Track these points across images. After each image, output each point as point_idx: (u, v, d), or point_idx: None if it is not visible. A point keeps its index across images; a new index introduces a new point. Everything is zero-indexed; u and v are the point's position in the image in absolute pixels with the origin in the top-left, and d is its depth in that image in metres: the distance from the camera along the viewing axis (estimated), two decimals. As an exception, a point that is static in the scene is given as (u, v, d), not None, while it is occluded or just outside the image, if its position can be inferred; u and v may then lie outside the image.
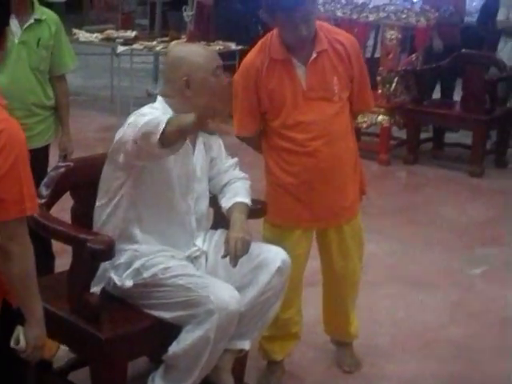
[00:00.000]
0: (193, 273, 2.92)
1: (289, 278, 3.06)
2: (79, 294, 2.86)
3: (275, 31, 3.27)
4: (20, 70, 3.70)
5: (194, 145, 3.03)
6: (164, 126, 2.63)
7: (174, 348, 2.84)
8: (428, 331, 4.06)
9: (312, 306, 3.70)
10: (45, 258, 3.92)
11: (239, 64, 8.73)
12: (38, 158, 3.86)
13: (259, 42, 3.36)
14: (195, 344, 2.79)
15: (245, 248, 2.91)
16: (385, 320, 4.15)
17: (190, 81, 2.92)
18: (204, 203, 3.12)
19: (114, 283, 2.97)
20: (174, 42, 8.34)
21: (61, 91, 3.93)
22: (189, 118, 2.67)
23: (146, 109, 2.90)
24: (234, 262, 2.90)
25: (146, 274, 2.91)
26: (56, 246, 3.89)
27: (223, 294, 2.78)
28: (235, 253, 2.88)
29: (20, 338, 2.30)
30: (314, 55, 3.21)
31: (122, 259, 2.95)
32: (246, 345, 3.07)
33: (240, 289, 2.94)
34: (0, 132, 2.13)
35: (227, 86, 2.95)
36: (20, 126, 2.26)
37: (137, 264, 2.94)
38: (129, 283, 2.93)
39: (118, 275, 2.96)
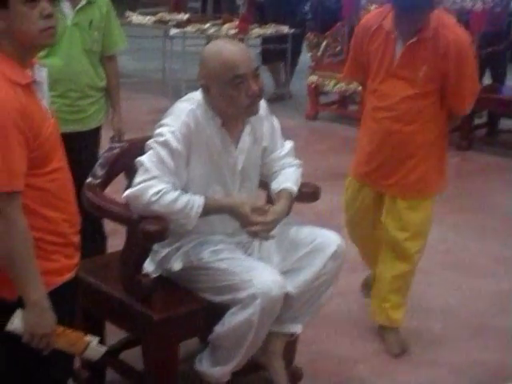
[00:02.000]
0: (238, 257, 2.92)
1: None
2: (132, 274, 2.88)
3: None
4: (73, 51, 3.72)
5: (238, 138, 2.98)
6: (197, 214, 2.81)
7: (219, 329, 2.86)
8: (479, 319, 4.01)
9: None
10: (97, 239, 3.97)
11: (291, 48, 8.70)
12: (91, 139, 3.91)
13: (381, 8, 3.58)
14: (239, 326, 2.80)
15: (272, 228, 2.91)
16: (436, 307, 4.11)
17: (208, 86, 2.86)
18: (249, 191, 3.08)
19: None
20: (226, 25, 8.36)
21: (112, 72, 3.95)
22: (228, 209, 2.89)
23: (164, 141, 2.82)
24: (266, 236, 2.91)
25: (193, 257, 2.92)
26: (108, 226, 3.93)
27: (266, 278, 2.77)
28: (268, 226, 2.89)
29: (14, 321, 2.22)
30: (415, 39, 3.36)
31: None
32: (297, 328, 3.09)
33: (294, 271, 2.96)
34: None
35: (253, 94, 2.82)
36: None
37: (186, 247, 2.96)
38: (177, 266, 2.96)
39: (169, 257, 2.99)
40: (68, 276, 2.35)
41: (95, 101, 3.88)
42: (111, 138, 3.97)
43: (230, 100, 2.84)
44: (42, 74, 2.30)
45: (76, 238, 2.39)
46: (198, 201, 2.82)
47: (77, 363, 3.21)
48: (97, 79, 3.86)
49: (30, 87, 2.22)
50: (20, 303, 2.23)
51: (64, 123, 3.72)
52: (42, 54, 3.59)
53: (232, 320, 2.81)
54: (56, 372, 2.41)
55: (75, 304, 2.52)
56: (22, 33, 2.18)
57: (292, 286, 2.96)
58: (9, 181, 2.13)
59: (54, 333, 2.27)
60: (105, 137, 4.00)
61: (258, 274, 2.78)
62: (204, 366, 2.97)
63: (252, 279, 2.76)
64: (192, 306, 2.92)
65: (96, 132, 3.95)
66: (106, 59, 3.91)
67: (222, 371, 2.93)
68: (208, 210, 2.84)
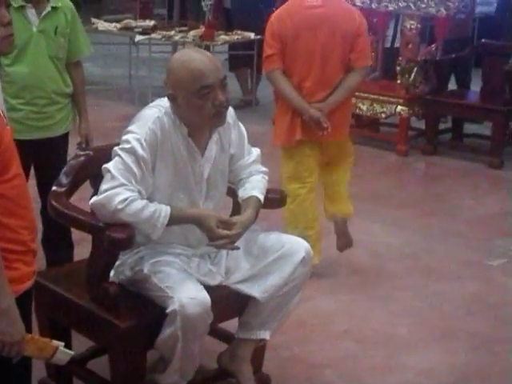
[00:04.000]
0: (170, 271, 2.87)
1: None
2: (98, 282, 2.87)
3: None
4: (39, 58, 3.70)
5: (204, 147, 2.97)
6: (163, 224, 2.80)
7: (157, 339, 2.84)
8: (447, 322, 4.04)
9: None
10: (63, 247, 3.96)
11: (257, 54, 8.76)
12: (59, 145, 3.90)
13: None
14: (167, 339, 2.79)
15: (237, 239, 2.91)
16: (403, 311, 4.13)
17: (175, 96, 2.85)
18: (216, 199, 3.07)
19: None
20: (192, 32, 8.35)
21: (78, 78, 3.93)
22: (192, 220, 2.87)
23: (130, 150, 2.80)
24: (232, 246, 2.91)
25: (137, 268, 2.92)
26: (75, 234, 3.91)
27: (184, 295, 2.73)
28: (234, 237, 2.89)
29: None
30: None
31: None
32: (266, 335, 3.09)
33: (262, 277, 2.97)
34: None
35: (219, 105, 2.82)
36: None
37: (138, 254, 2.96)
38: (128, 273, 2.96)
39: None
40: (28, 284, 2.34)
41: (62, 107, 3.86)
42: (78, 144, 3.96)
43: (197, 110, 2.83)
44: None
45: (34, 245, 2.37)
46: (164, 210, 2.81)
47: (43, 373, 3.20)
48: (63, 85, 3.84)
49: None
50: None
51: (32, 130, 3.74)
52: (7, 61, 3.61)
53: (163, 331, 2.80)
54: (17, 381, 2.41)
55: (31, 312, 2.50)
56: None
57: (260, 291, 2.97)
58: None
59: (24, 340, 2.25)
60: (72, 143, 3.98)
61: (179, 291, 2.75)
62: (153, 370, 2.99)
63: (173, 296, 2.74)
64: (158, 314, 2.90)
65: (64, 138, 3.93)
66: (71, 66, 3.90)
67: (165, 377, 2.92)
68: (174, 220, 2.84)
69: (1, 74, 3.57)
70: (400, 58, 6.95)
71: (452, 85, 7.99)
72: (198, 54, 2.88)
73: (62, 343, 2.40)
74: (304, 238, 3.84)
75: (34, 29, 3.67)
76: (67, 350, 2.42)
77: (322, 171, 4.41)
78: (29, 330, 2.38)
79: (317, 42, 4.15)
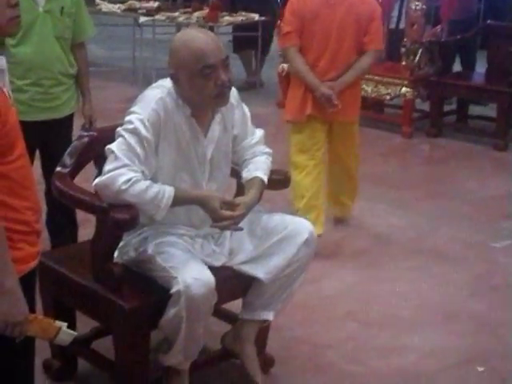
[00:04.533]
0: (174, 252, 2.86)
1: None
2: (102, 263, 2.87)
3: None
4: (45, 39, 3.69)
5: (207, 127, 2.97)
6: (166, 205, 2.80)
7: (161, 319, 2.84)
8: (450, 304, 4.05)
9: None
10: (68, 228, 3.96)
11: (262, 36, 8.70)
12: (64, 126, 3.90)
13: None
14: (171, 319, 2.79)
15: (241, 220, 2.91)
16: (407, 292, 4.14)
17: (177, 76, 2.84)
18: (219, 180, 3.07)
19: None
20: (196, 13, 8.33)
21: (81, 59, 3.93)
22: (196, 201, 2.87)
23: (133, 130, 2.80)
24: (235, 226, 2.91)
25: (141, 248, 2.92)
26: (79, 215, 3.91)
27: (188, 276, 2.73)
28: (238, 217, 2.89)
29: None
30: None
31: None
32: (269, 316, 3.09)
33: (265, 258, 2.98)
34: None
35: (222, 84, 2.81)
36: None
37: (142, 235, 2.96)
38: (132, 254, 2.96)
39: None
40: (33, 264, 2.34)
41: (68, 88, 3.86)
42: (82, 125, 3.95)
43: (199, 90, 2.82)
44: (1, 62, 2.28)
45: (38, 226, 2.37)
46: (168, 191, 2.81)
47: (48, 354, 3.21)
48: (69, 66, 3.84)
49: None
50: None
51: (39, 111, 3.74)
52: (13, 42, 3.59)
53: (168, 312, 2.80)
54: (20, 361, 2.41)
55: (35, 292, 2.50)
56: None
57: (264, 272, 2.97)
58: None
59: (27, 320, 2.26)
60: (77, 125, 3.98)
61: (183, 271, 2.75)
62: (157, 351, 2.99)
63: (177, 277, 2.74)
64: (163, 294, 2.91)
65: (69, 119, 3.94)
66: (75, 47, 3.89)
67: (169, 358, 2.92)
68: (177, 201, 2.84)
69: (7, 55, 3.56)
70: (405, 40, 6.91)
71: (457, 66, 7.96)
72: (199, 34, 2.88)
73: (65, 324, 2.41)
74: (310, 207, 4.02)
75: (40, 9, 3.66)
76: (70, 331, 2.43)
77: (329, 159, 4.63)
78: (33, 310, 2.39)
79: (334, 22, 4.31)
